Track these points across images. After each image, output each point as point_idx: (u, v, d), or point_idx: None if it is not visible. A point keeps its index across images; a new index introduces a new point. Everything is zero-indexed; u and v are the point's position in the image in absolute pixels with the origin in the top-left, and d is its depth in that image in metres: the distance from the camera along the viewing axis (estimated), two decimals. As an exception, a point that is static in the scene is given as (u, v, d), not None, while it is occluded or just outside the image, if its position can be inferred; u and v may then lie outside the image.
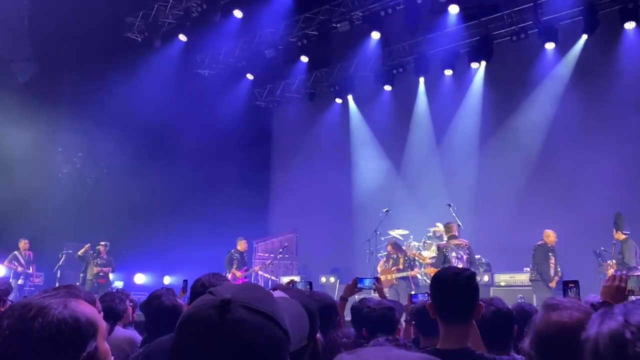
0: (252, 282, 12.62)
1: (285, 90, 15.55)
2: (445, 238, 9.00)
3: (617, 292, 2.15)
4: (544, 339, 1.42)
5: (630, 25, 10.63)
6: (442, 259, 8.53)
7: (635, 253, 8.18)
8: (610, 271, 8.71)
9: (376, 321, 3.09)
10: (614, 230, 8.55)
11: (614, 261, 8.79)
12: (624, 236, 8.41)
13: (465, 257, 8.57)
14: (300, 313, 1.24)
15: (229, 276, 10.81)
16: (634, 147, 10.45)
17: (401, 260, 9.89)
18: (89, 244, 11.22)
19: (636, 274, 7.32)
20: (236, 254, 11.14)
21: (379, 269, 10.26)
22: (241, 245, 11.21)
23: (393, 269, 9.90)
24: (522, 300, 9.00)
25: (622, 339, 0.94)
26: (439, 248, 8.86)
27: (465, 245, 8.69)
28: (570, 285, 2.65)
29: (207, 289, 2.27)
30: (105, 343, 1.26)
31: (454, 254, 8.53)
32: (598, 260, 9.13)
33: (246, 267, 11.03)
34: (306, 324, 1.26)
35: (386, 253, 10.47)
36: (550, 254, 8.79)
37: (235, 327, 0.94)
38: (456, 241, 8.73)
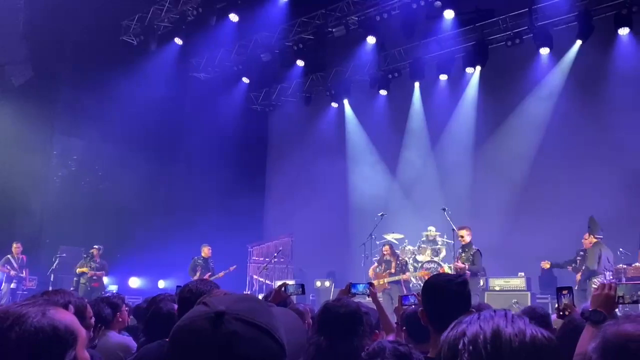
0: (248, 286, 12.62)
1: (281, 94, 15.56)
2: (469, 242, 8.95)
3: (606, 300, 2.16)
4: (611, 346, 1.42)
5: (624, 31, 10.70)
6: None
7: (600, 257, 8.18)
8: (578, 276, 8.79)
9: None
10: (587, 233, 8.60)
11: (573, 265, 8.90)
12: (595, 240, 8.45)
13: None
14: (297, 325, 1.23)
15: None
16: (628, 152, 10.50)
17: (393, 265, 9.89)
18: (87, 269, 11.16)
19: (624, 281, 7.35)
20: (199, 260, 11.14)
21: (370, 273, 10.23)
22: (205, 251, 11.21)
23: (385, 273, 9.90)
24: (517, 305, 9.04)
25: (456, 349, 0.96)
26: (479, 252, 8.87)
27: None
28: (564, 292, 2.65)
29: (194, 295, 2.28)
30: (85, 352, 1.24)
31: None
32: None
33: (210, 274, 10.95)
34: (303, 336, 1.25)
35: (379, 256, 10.44)
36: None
37: (229, 340, 0.92)
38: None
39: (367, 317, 3.14)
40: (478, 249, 8.77)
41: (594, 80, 11.35)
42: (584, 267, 8.53)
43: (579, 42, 11.32)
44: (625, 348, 1.38)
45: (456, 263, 8.93)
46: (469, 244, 8.85)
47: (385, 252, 10.16)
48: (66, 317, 1.20)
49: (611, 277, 8.15)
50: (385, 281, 9.60)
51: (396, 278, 9.75)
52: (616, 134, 10.79)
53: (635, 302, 2.17)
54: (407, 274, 9.98)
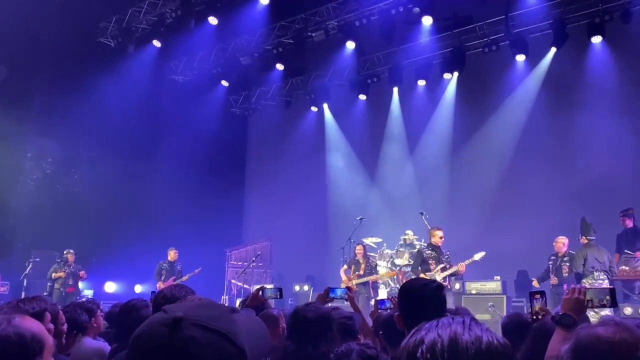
0: (226, 291, 12.54)
1: (260, 98, 15.54)
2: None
3: (576, 304, 2.21)
4: (583, 348, 1.45)
5: (597, 39, 10.94)
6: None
7: (585, 259, 8.21)
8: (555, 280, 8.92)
9: (338, 330, 3.04)
10: (580, 235, 8.62)
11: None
12: (587, 241, 8.47)
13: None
14: (260, 330, 1.23)
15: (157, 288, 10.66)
16: (600, 156, 10.73)
17: (362, 266, 9.94)
18: (63, 273, 10.96)
19: (600, 285, 7.49)
20: (165, 265, 11.05)
21: (342, 275, 10.22)
22: (171, 255, 11.14)
23: (354, 275, 9.92)
24: (493, 309, 9.16)
25: (414, 356, 0.99)
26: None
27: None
28: (537, 296, 2.68)
29: (168, 301, 2.27)
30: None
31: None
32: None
33: (174, 277, 10.87)
34: (267, 342, 1.26)
35: (351, 257, 10.40)
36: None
37: (186, 346, 0.92)
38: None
39: (351, 322, 3.13)
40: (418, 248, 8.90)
41: (567, 87, 11.60)
42: (567, 271, 8.57)
43: (553, 50, 11.56)
44: (596, 350, 1.42)
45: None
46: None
47: (358, 253, 10.14)
48: (32, 326, 1.19)
49: (603, 277, 8.19)
50: (354, 283, 9.63)
51: (365, 279, 9.79)
52: (588, 139, 11.04)
53: (603, 306, 2.23)
54: (375, 275, 10.03)
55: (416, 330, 1.03)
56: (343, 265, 10.55)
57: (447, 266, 8.40)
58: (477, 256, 8.47)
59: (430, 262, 8.48)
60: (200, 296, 2.18)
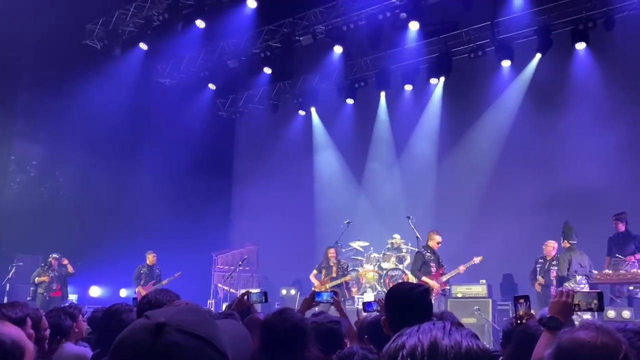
0: (212, 295, 12.46)
1: (248, 101, 15.51)
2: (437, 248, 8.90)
3: (563, 307, 2.22)
4: (565, 352, 1.47)
5: (580, 46, 11.10)
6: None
7: (570, 263, 8.28)
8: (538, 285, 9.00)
9: (324, 335, 3.01)
10: (562, 239, 8.71)
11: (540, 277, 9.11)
12: (569, 245, 8.55)
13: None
14: (243, 336, 1.23)
15: (136, 293, 10.60)
16: (584, 161, 10.86)
17: (334, 269, 9.96)
18: (46, 277, 10.83)
19: (582, 289, 7.56)
20: (144, 269, 10.98)
21: (313, 280, 10.13)
22: (149, 258, 11.07)
23: (327, 278, 9.92)
24: (479, 312, 9.21)
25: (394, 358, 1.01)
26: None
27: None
28: (521, 300, 2.70)
29: (153, 306, 2.25)
30: None
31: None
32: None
33: (154, 282, 10.81)
34: (249, 347, 1.26)
35: (322, 261, 10.32)
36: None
37: (169, 351, 0.91)
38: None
39: (338, 326, 3.10)
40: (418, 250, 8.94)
41: (552, 92, 11.75)
42: (555, 275, 8.64)
43: (538, 56, 11.70)
44: (578, 354, 1.44)
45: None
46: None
47: (331, 256, 10.12)
48: (12, 332, 1.17)
49: (585, 282, 8.27)
50: (328, 287, 9.65)
51: (339, 281, 9.82)
52: (572, 144, 11.17)
53: (590, 309, 2.24)
54: (348, 276, 10.08)
55: (398, 336, 1.05)
56: (312, 271, 10.44)
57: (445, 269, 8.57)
58: (477, 259, 8.61)
59: (431, 264, 8.53)
60: (186, 301, 2.17)
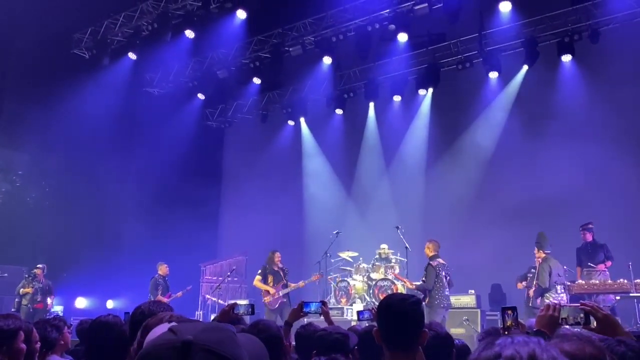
0: (200, 306, 12.35)
1: (237, 111, 15.51)
2: (429, 255, 8.62)
3: (550, 321, 2.24)
4: None
5: (566, 58, 11.27)
6: (434, 278, 8.29)
7: (550, 274, 8.25)
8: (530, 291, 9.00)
9: (331, 345, 2.96)
10: (536, 249, 8.68)
11: (523, 283, 9.15)
12: (544, 255, 8.52)
13: (448, 277, 8.46)
14: (261, 353, 1.22)
15: None
16: (569, 171, 10.96)
17: (282, 274, 9.81)
18: (30, 289, 10.71)
19: (566, 303, 7.60)
20: (160, 279, 10.91)
21: (260, 286, 9.82)
22: (162, 269, 11.01)
23: (278, 285, 9.72)
24: (467, 323, 9.21)
25: None
26: (430, 266, 8.45)
27: (447, 265, 8.59)
28: (508, 312, 2.69)
29: (146, 317, 2.22)
30: None
31: (443, 272, 8.37)
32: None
33: (170, 293, 10.78)
34: None
35: (264, 267, 9.99)
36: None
37: None
38: (441, 260, 8.54)
39: (345, 339, 2.98)
40: (429, 262, 8.60)
41: (539, 103, 11.89)
42: (535, 285, 8.64)
43: (525, 67, 11.86)
44: None
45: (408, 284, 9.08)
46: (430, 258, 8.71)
47: (277, 260, 9.90)
48: None
49: (562, 291, 8.31)
50: (281, 293, 9.59)
51: (293, 287, 9.76)
52: (559, 155, 11.28)
53: (578, 323, 2.26)
54: (301, 282, 9.96)
55: (487, 345, 1.05)
56: (255, 277, 10.07)
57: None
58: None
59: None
60: (178, 314, 2.15)
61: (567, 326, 2.31)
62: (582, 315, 2.24)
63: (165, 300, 10.28)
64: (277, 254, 9.99)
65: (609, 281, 8.55)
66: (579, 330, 2.27)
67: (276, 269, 9.88)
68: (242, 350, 0.99)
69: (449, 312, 8.63)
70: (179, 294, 10.89)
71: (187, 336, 0.93)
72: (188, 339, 0.93)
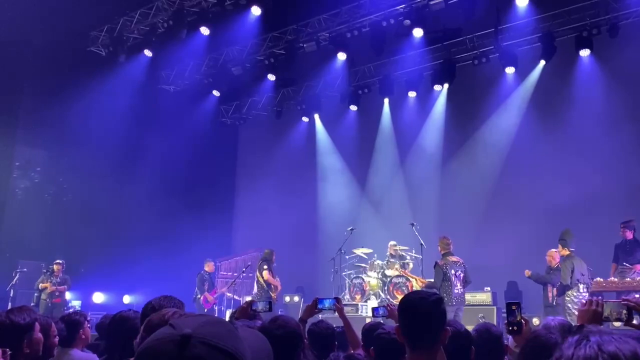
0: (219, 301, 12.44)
1: (251, 108, 15.54)
2: (441, 254, 8.50)
3: (593, 317, 2.17)
4: None
5: (585, 53, 11.10)
6: (442, 277, 8.18)
7: (572, 271, 8.15)
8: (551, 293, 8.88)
9: (388, 345, 2.94)
10: (560, 246, 8.58)
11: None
12: (567, 252, 8.41)
13: (462, 275, 8.28)
14: (263, 347, 1.22)
15: (201, 299, 10.75)
16: (587, 168, 10.83)
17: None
18: (49, 284, 10.86)
19: (612, 299, 7.50)
20: (206, 275, 11.10)
21: (272, 281, 10.13)
22: (209, 266, 11.21)
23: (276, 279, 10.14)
24: (483, 320, 9.15)
25: None
26: (437, 265, 8.34)
27: (461, 263, 8.40)
28: (513, 307, 2.65)
29: (156, 312, 2.23)
30: None
31: (452, 271, 8.21)
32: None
33: (215, 289, 11.02)
34: (269, 356, 1.25)
35: (271, 264, 10.29)
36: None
37: None
38: (453, 258, 8.37)
39: (330, 332, 2.95)
40: (436, 261, 8.49)
41: (556, 99, 11.73)
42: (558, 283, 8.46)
43: (542, 62, 11.70)
44: None
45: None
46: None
47: (268, 257, 10.32)
48: None
49: (585, 291, 8.18)
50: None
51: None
52: (577, 151, 11.14)
53: (619, 319, 2.19)
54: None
55: (581, 340, 1.05)
56: (264, 271, 10.19)
57: None
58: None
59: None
60: (187, 312, 2.16)
61: (613, 323, 2.23)
62: (625, 311, 2.16)
63: (211, 298, 10.54)
64: (273, 252, 10.40)
65: (638, 279, 8.36)
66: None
67: (274, 265, 10.18)
68: (243, 344, 0.98)
69: (462, 309, 8.55)
70: (224, 289, 11.19)
71: (186, 330, 0.93)
72: (187, 332, 0.93)
